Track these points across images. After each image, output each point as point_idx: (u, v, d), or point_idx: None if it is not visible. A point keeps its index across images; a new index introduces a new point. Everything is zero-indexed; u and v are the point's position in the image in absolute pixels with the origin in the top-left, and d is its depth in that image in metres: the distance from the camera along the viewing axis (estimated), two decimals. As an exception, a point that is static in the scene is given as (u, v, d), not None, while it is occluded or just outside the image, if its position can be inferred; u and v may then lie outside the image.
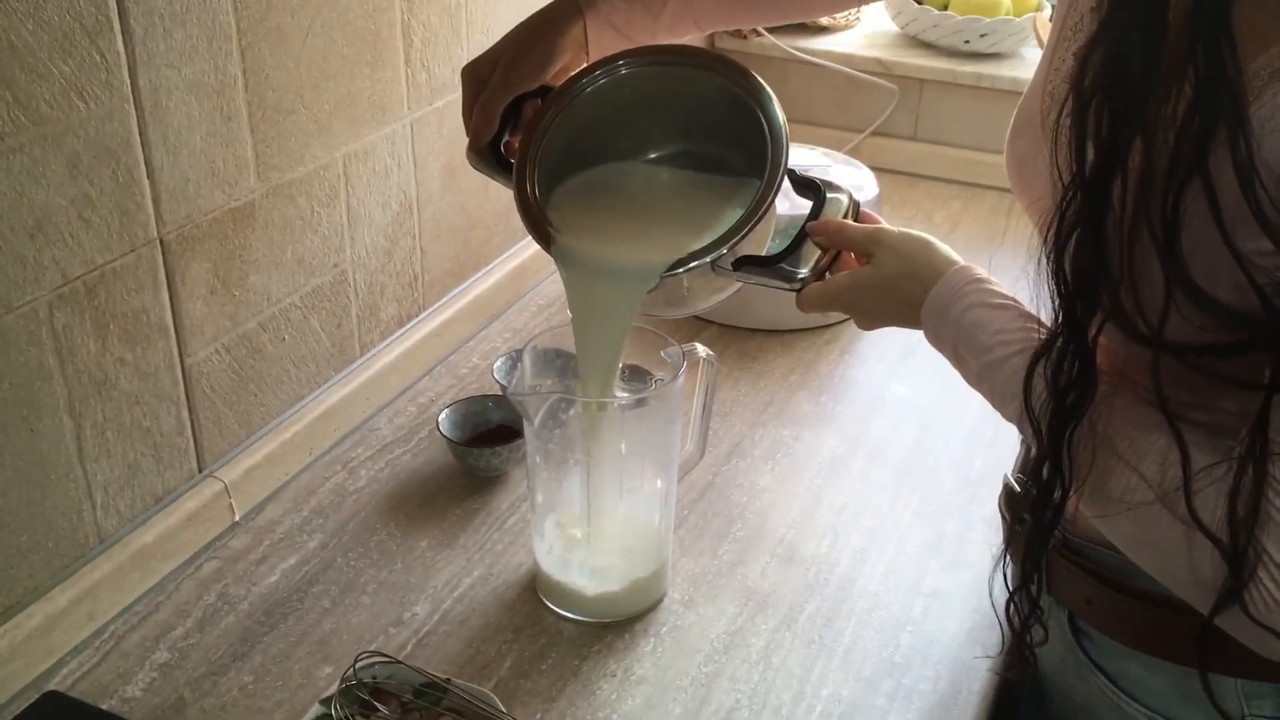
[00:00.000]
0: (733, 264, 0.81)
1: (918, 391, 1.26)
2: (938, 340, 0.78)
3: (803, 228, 0.83)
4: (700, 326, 1.35)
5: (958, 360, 0.77)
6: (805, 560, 1.02)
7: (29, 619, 0.87)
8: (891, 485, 1.12)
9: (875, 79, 1.79)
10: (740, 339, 1.34)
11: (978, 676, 0.91)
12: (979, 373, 0.75)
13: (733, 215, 0.82)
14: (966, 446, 1.17)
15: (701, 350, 0.95)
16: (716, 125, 0.88)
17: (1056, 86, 0.74)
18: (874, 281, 0.80)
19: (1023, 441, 0.94)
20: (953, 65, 1.75)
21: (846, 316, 0.99)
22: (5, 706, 0.85)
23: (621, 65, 0.87)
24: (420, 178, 1.22)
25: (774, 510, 1.08)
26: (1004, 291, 0.77)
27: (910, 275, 0.78)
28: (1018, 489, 0.89)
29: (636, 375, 1.02)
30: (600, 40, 0.89)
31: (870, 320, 0.82)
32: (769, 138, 0.84)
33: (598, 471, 0.93)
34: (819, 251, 0.83)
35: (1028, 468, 0.90)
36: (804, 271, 0.82)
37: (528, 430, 0.91)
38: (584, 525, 0.95)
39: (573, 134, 0.87)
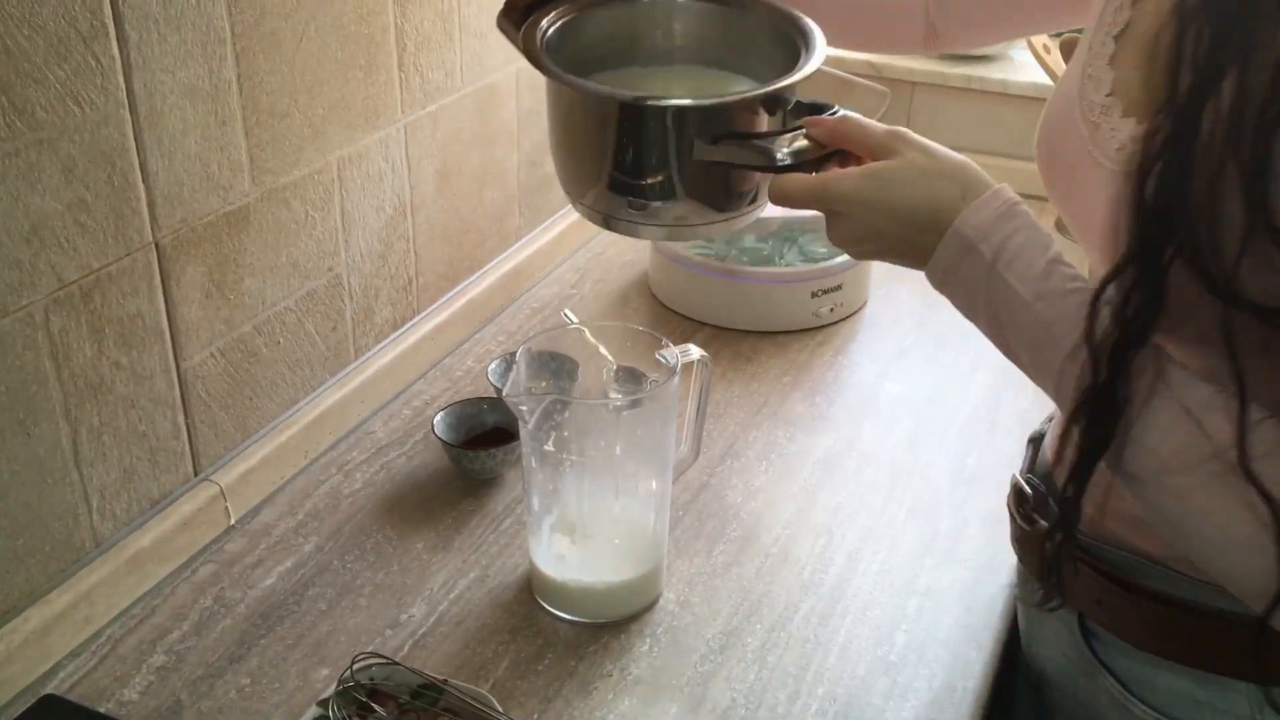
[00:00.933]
0: (712, 138, 0.74)
1: (911, 391, 1.26)
2: (964, 262, 0.68)
3: (798, 123, 0.75)
4: (694, 328, 1.36)
5: (994, 286, 0.68)
6: (800, 560, 1.03)
7: (25, 623, 0.87)
8: (885, 484, 1.13)
9: (866, 81, 1.80)
10: (734, 340, 1.34)
11: (973, 674, 0.91)
12: (1031, 298, 0.67)
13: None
14: (960, 445, 1.18)
15: (695, 351, 0.96)
16: (755, 53, 0.85)
17: (1096, 69, 0.73)
18: (896, 175, 0.70)
19: (1030, 441, 0.94)
20: (943, 67, 1.76)
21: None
22: (2, 710, 0.85)
23: None
24: (414, 181, 1.22)
25: (768, 510, 1.08)
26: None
27: (945, 175, 0.69)
28: (1028, 490, 0.88)
29: (631, 377, 1.02)
30: None
31: (865, 234, 0.72)
32: (809, 36, 0.81)
33: (593, 473, 0.94)
34: (809, 144, 0.74)
35: (1037, 469, 0.91)
36: (784, 153, 0.73)
37: (523, 432, 0.92)
38: (579, 526, 0.96)
39: (598, 31, 0.83)
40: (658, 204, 0.77)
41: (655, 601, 0.97)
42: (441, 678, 0.85)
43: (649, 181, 0.76)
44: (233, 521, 1.04)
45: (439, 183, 1.27)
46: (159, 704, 0.86)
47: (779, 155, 0.73)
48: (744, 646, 0.93)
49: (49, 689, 0.87)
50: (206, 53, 0.93)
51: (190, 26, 0.91)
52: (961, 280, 0.69)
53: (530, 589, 0.98)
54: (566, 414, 0.91)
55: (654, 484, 0.95)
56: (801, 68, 0.78)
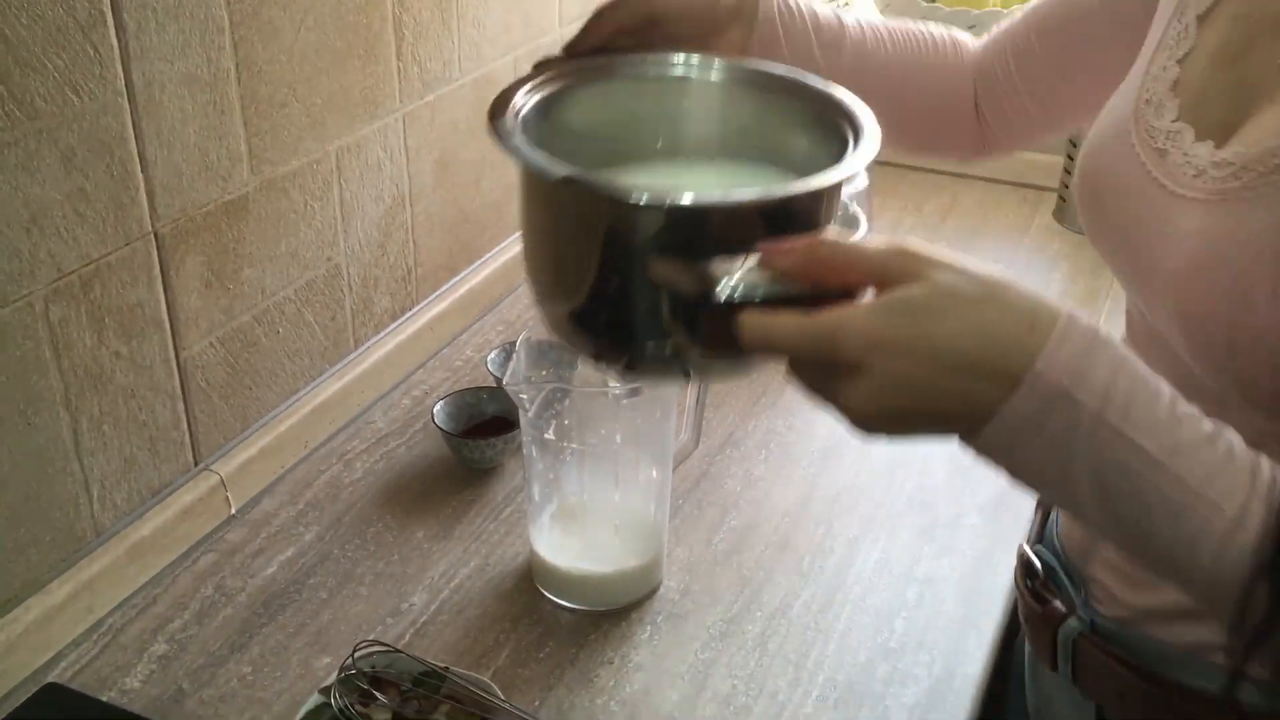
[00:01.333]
0: (659, 248, 0.53)
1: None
2: (1053, 416, 0.50)
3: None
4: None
5: (1104, 444, 0.50)
6: (799, 548, 1.03)
7: (27, 612, 0.87)
8: (884, 473, 1.13)
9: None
10: (733, 330, 1.34)
11: (973, 660, 0.91)
12: (1165, 455, 0.50)
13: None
14: (958, 434, 1.18)
15: None
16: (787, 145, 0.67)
17: (1156, 94, 0.68)
18: (930, 305, 0.49)
19: (1037, 507, 0.89)
20: (941, 57, 1.75)
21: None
22: (5, 699, 0.85)
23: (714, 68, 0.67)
24: (413, 171, 1.22)
25: (768, 499, 1.09)
26: None
27: (995, 300, 0.50)
28: (1037, 564, 0.82)
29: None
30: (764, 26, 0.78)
31: (897, 392, 0.50)
32: (857, 126, 0.62)
33: (593, 461, 0.94)
34: (764, 277, 0.52)
35: (1046, 538, 0.83)
36: (727, 284, 0.51)
37: (523, 421, 0.92)
38: (580, 514, 0.96)
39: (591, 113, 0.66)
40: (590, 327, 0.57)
41: (656, 589, 0.98)
42: (443, 665, 0.86)
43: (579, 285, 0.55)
44: (233, 511, 1.04)
45: (437, 173, 1.26)
46: (161, 692, 0.87)
47: (720, 287, 0.51)
48: (744, 634, 0.93)
49: (51, 678, 0.87)
50: (205, 42, 0.93)
51: (188, 16, 0.91)
52: (1048, 440, 0.50)
53: (531, 577, 0.98)
54: (566, 402, 0.91)
55: (654, 472, 0.95)
56: (830, 170, 0.58)
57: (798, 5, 0.80)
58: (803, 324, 0.51)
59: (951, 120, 0.88)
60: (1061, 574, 0.80)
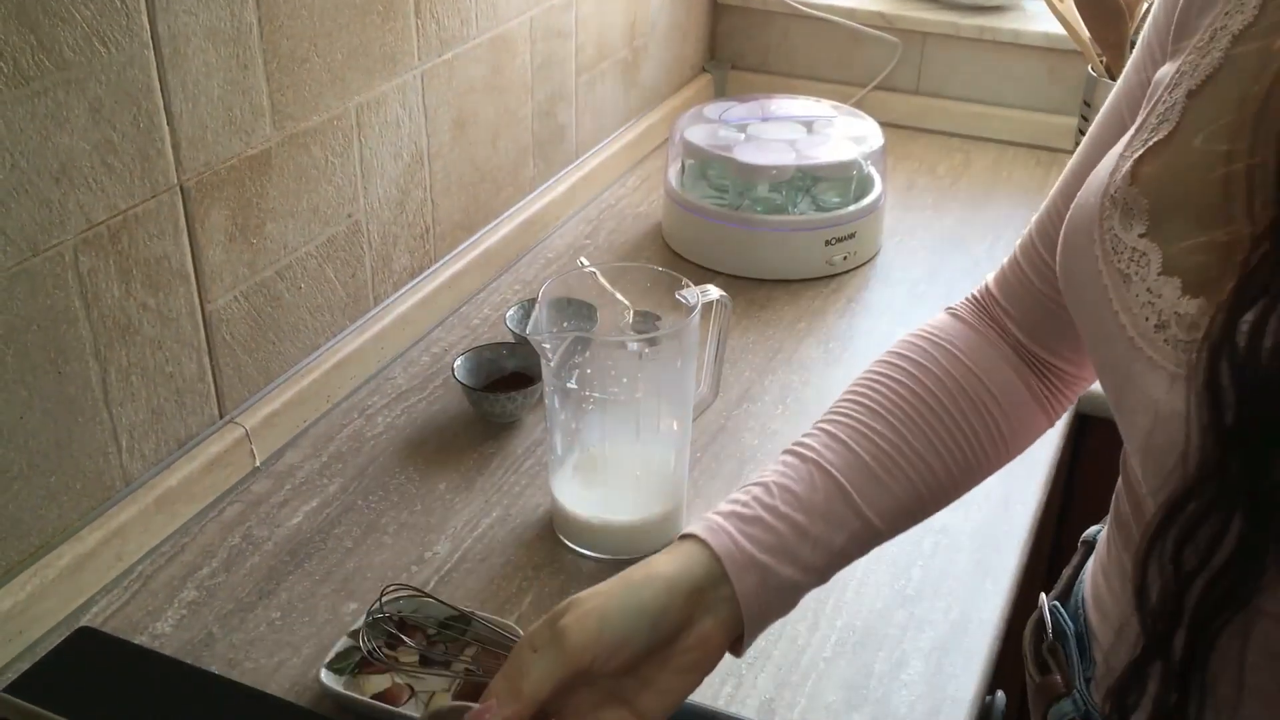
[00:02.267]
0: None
1: (924, 337, 1.27)
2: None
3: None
4: (708, 277, 1.37)
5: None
6: (817, 499, 1.04)
7: (59, 559, 0.89)
8: (900, 427, 1.14)
9: (878, 32, 1.80)
10: (748, 288, 1.35)
11: (990, 606, 0.93)
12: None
13: None
14: (973, 390, 1.19)
15: (715, 292, 0.97)
16: None
17: (1122, 189, 0.56)
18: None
19: (1082, 543, 0.80)
20: (955, 18, 1.76)
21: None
22: (39, 642, 0.87)
23: None
24: (430, 129, 1.23)
25: (785, 452, 1.10)
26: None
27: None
28: (1049, 627, 0.75)
29: (648, 321, 1.04)
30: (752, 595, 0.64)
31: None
32: None
33: (615, 412, 0.95)
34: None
35: (1071, 599, 0.75)
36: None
37: (545, 371, 0.93)
38: (601, 465, 0.97)
39: None
40: None
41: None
42: (469, 609, 0.87)
43: None
44: (258, 463, 1.06)
45: (455, 131, 1.27)
46: (191, 636, 0.88)
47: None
48: (763, 581, 0.95)
49: (84, 622, 0.89)
50: (228, -5, 0.93)
51: (212, -31, 0.91)
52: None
53: (552, 528, 1.00)
54: (588, 354, 0.92)
55: (674, 424, 0.96)
56: None
57: (765, 530, 0.65)
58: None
59: (1018, 432, 0.72)
60: (1073, 643, 0.73)
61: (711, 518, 0.65)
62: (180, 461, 0.99)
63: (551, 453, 0.98)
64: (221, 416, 1.04)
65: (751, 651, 0.87)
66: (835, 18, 1.80)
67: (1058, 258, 0.62)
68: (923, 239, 1.48)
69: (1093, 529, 0.81)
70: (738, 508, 0.65)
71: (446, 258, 1.31)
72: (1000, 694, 0.96)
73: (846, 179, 1.39)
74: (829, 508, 0.65)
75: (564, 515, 0.98)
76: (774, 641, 0.89)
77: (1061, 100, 1.72)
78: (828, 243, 1.37)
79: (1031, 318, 0.72)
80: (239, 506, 1.01)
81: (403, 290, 1.24)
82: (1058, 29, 1.56)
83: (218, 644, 0.88)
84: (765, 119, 1.48)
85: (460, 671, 0.84)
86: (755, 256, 1.38)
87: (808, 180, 1.41)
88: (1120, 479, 0.68)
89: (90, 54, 0.83)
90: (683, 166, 1.46)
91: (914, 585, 0.95)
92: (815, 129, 1.45)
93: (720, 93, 1.90)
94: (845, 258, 1.39)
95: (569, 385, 0.93)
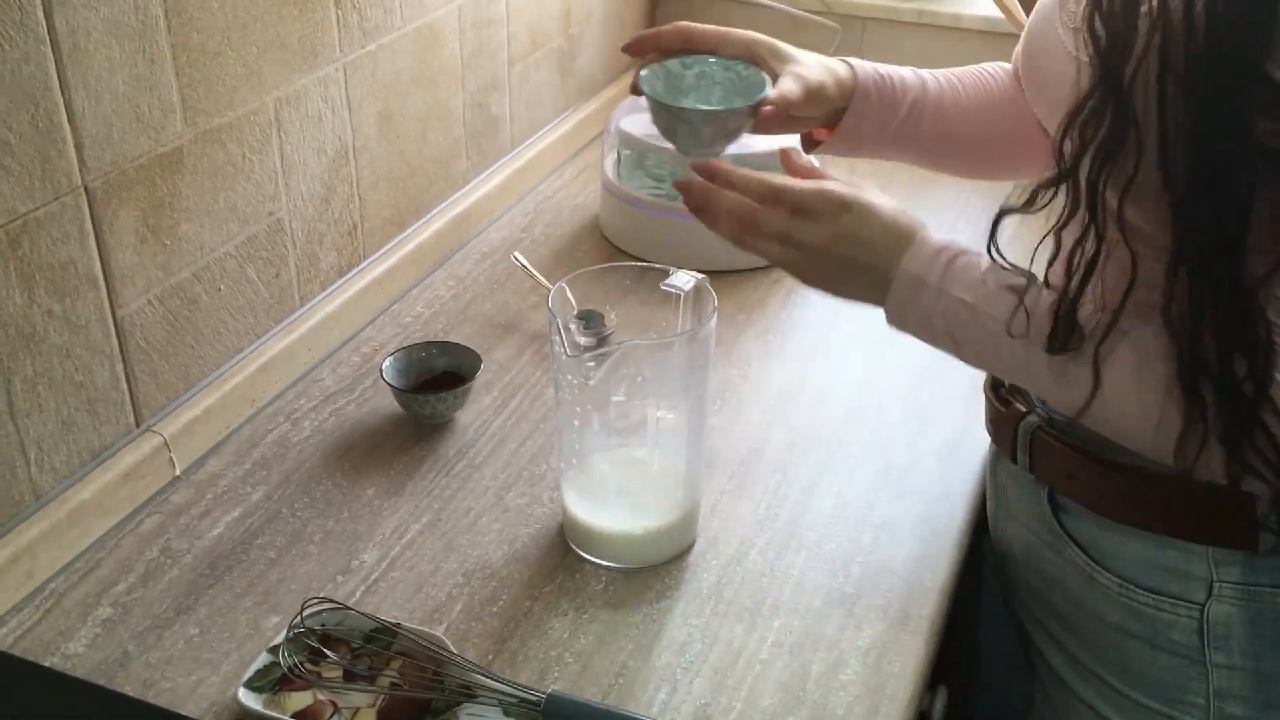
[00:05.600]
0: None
1: (866, 330, 1.25)
2: (915, 292, 0.78)
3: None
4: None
5: (942, 307, 0.78)
6: (755, 496, 1.02)
7: (-35, 579, 0.85)
8: (839, 419, 1.12)
9: (817, 17, 1.78)
10: (686, 281, 1.33)
11: (929, 601, 0.91)
12: (979, 300, 0.76)
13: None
14: (914, 379, 1.18)
15: (697, 276, 0.94)
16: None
17: None
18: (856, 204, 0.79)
19: None
20: (894, 2, 1.74)
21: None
22: (-57, 668, 0.83)
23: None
24: (355, 123, 1.20)
25: (724, 448, 1.08)
26: None
27: (887, 221, 0.79)
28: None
29: (592, 319, 1.02)
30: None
31: (841, 241, 0.79)
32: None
33: (629, 415, 0.93)
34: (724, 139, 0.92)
35: None
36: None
37: (558, 380, 0.90)
38: (613, 473, 0.96)
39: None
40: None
41: (692, 545, 0.96)
42: (394, 621, 0.84)
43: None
44: (178, 472, 1.02)
45: (381, 125, 1.24)
46: (105, 656, 0.85)
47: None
48: (699, 582, 0.93)
49: (-9, 645, 0.85)
50: (131, -13, 0.89)
51: (112, -41, 0.87)
52: (919, 312, 0.79)
53: (482, 532, 0.97)
54: (607, 360, 0.90)
55: (687, 427, 0.93)
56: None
57: (889, 72, 0.93)
58: (812, 182, 0.82)
59: (1028, 142, 0.91)
60: None
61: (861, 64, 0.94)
62: (94, 473, 0.95)
63: (564, 463, 0.95)
64: (138, 425, 1.00)
65: (686, 655, 0.86)
66: (774, 3, 1.78)
67: (1020, 43, 0.85)
68: (863, 227, 1.46)
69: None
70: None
71: (376, 255, 1.27)
72: (942, 689, 0.95)
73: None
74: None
75: (577, 526, 0.95)
76: (709, 644, 0.87)
77: (1001, 84, 1.71)
78: (767, 233, 1.35)
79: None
80: (157, 518, 0.98)
81: (330, 289, 1.21)
82: (996, 13, 1.55)
83: (133, 663, 0.85)
84: (702, 107, 1.46)
85: (386, 686, 0.81)
86: (693, 247, 1.35)
87: (748, 169, 1.39)
88: None
89: (-20, 51, 0.79)
90: (619, 157, 1.43)
91: (853, 582, 0.93)
92: (753, 117, 1.43)
93: (660, 81, 1.87)
94: (785, 247, 1.37)
95: (590, 382, 0.90)
